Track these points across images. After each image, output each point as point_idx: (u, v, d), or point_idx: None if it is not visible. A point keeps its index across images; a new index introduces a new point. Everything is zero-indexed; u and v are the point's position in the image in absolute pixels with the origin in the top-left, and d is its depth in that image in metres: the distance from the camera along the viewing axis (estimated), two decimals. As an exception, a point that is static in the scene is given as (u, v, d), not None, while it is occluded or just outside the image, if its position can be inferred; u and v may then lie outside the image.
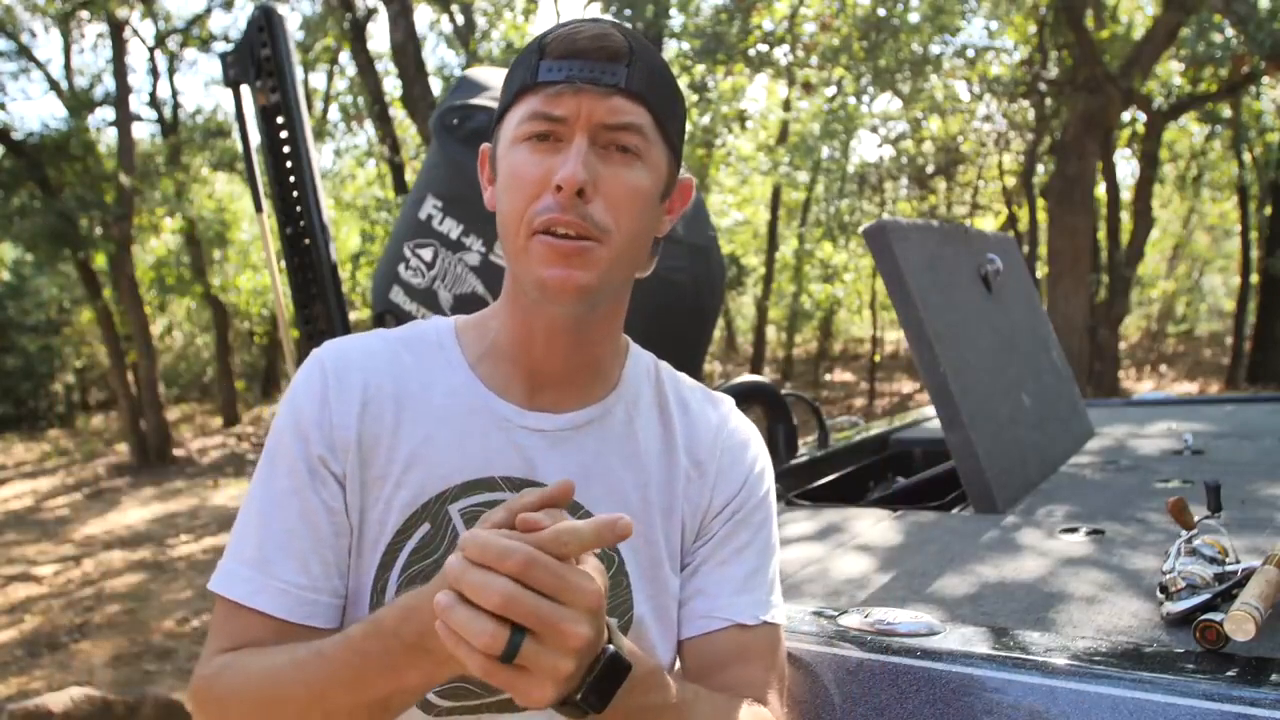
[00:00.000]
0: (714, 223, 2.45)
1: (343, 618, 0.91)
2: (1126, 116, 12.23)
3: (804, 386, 16.25)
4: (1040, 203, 13.74)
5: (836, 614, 1.15)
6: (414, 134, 11.46)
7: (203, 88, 31.81)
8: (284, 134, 2.27)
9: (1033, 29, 12.10)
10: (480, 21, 12.40)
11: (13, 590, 6.31)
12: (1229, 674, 0.91)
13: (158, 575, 6.62)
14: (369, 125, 14.43)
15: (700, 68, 10.23)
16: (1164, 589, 1.08)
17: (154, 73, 15.88)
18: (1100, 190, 12.56)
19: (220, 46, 12.80)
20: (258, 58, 2.25)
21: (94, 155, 11.60)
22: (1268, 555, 1.03)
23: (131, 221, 11.61)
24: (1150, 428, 2.56)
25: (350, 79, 14.78)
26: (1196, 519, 1.17)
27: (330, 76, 15.30)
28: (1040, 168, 13.81)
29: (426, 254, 2.14)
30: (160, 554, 7.24)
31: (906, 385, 16.21)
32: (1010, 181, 15.59)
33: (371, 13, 10.92)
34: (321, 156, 15.26)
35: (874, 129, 14.37)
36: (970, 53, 12.06)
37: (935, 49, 11.11)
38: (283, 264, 2.39)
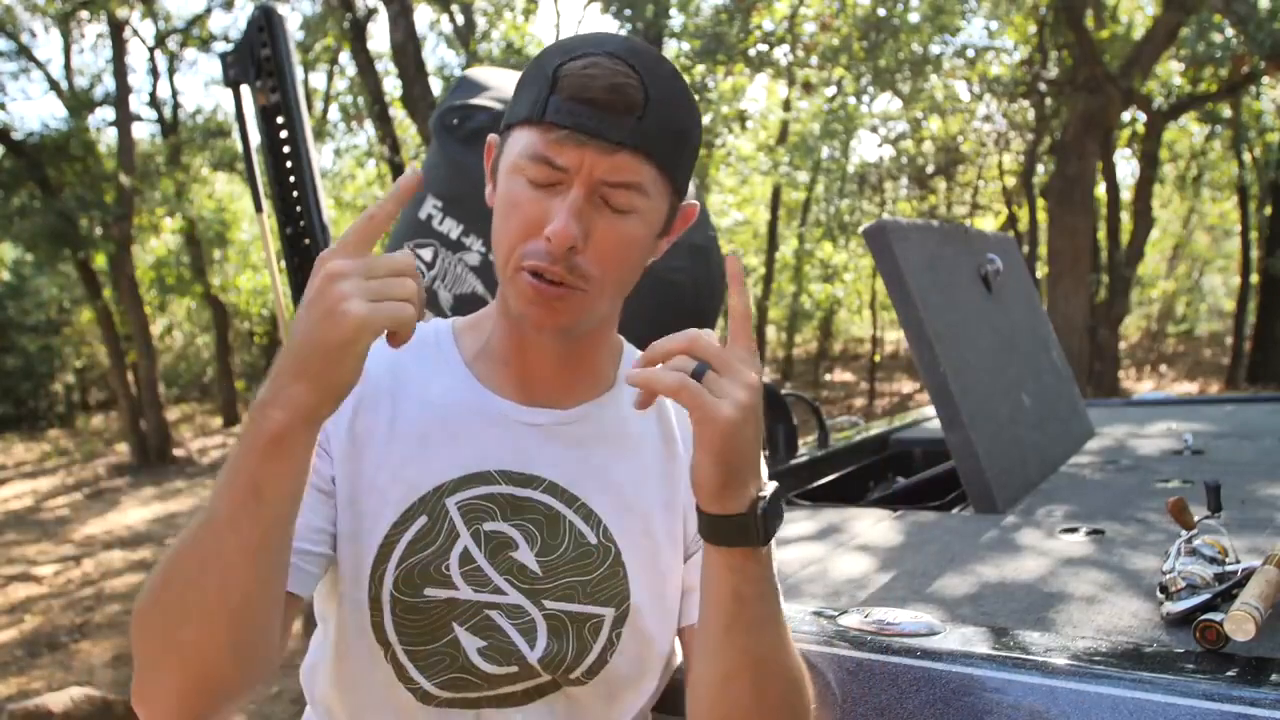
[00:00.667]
0: (714, 223, 2.45)
1: (343, 611, 0.92)
2: (1126, 116, 12.21)
3: (804, 386, 16.25)
4: (1040, 203, 13.73)
5: (836, 614, 1.15)
6: (414, 134, 11.45)
7: (203, 88, 31.78)
8: (284, 134, 2.26)
9: (1033, 29, 12.08)
10: (480, 21, 12.38)
11: (13, 590, 6.30)
12: (1229, 674, 0.91)
13: (158, 575, 6.61)
14: (369, 125, 14.40)
15: (700, 68, 10.22)
16: (1164, 589, 1.09)
17: (154, 73, 15.83)
18: (1100, 190, 12.54)
19: (220, 46, 12.76)
20: (258, 58, 2.24)
21: (94, 155, 11.58)
22: (1268, 555, 1.03)
23: (131, 221, 11.58)
24: (1150, 428, 2.56)
25: (350, 79, 14.75)
26: (1196, 519, 1.17)
27: (330, 76, 15.27)
28: (1040, 168, 13.80)
29: (426, 254, 2.14)
30: (160, 554, 7.23)
31: (906, 385, 16.21)
32: (1010, 181, 15.57)
33: (371, 13, 10.90)
34: (321, 156, 15.25)
35: (874, 129, 14.38)
36: (970, 53, 12.06)
37: (935, 49, 11.10)
38: (283, 264, 2.38)
